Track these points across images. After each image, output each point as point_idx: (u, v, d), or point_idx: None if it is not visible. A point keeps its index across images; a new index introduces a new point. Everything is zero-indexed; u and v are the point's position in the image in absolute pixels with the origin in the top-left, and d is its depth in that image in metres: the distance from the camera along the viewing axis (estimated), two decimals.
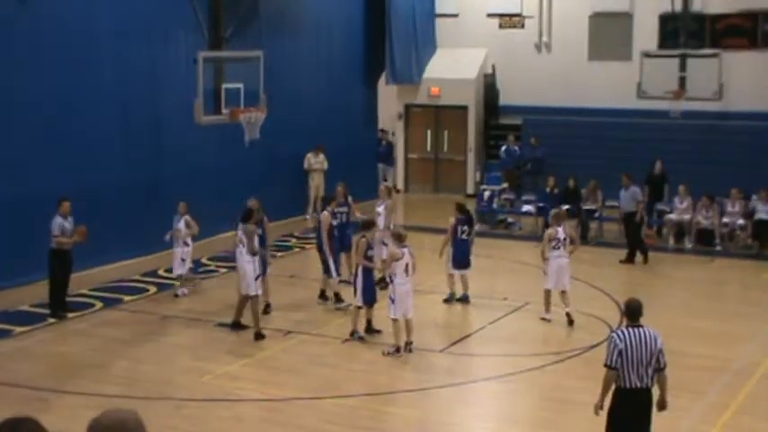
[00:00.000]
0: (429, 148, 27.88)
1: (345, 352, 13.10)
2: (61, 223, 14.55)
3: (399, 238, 13.11)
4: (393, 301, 12.86)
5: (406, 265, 12.85)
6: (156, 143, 18.87)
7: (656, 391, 8.55)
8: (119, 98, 17.96)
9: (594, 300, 16.02)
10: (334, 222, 15.63)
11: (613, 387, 8.34)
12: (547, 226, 16.33)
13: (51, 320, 14.59)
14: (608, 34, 25.77)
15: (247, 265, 13.72)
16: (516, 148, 25.00)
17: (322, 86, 23.64)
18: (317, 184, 23.13)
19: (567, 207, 21.49)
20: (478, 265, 19.47)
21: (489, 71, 27.09)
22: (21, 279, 15.59)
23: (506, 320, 14.88)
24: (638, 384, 8.24)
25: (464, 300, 15.71)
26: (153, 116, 18.75)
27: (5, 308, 15.00)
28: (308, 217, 22.68)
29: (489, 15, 27.18)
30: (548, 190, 21.69)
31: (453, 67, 26.89)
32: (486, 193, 22.98)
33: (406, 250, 12.94)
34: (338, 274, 15.37)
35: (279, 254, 18.64)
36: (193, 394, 11.49)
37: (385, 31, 25.72)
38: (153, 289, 16.62)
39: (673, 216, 20.64)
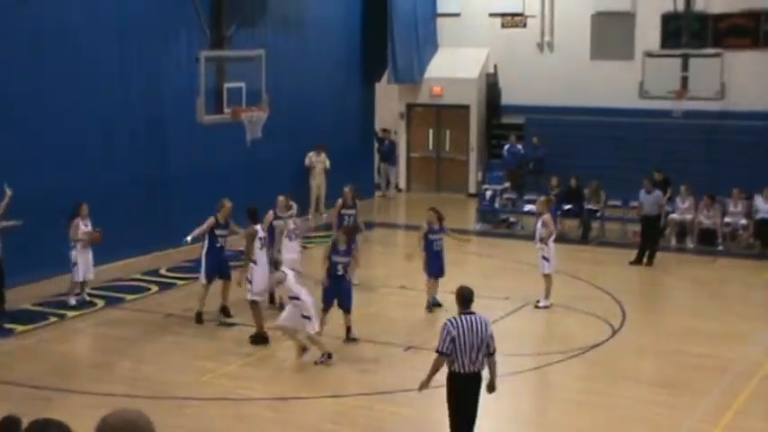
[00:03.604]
0: (431, 148, 27.86)
1: (346, 351, 13.09)
2: None
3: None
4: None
5: None
6: (158, 142, 18.86)
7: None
8: (120, 97, 17.95)
9: (596, 299, 16.02)
10: (344, 223, 15.92)
11: (448, 371, 8.84)
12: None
13: (53, 319, 14.62)
14: (610, 34, 25.73)
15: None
16: (519, 147, 24.99)
17: (323, 86, 23.61)
18: (318, 183, 23.12)
19: (569, 207, 21.58)
20: (481, 265, 19.51)
21: (491, 71, 27.07)
22: (21, 278, 15.58)
23: (508, 320, 14.86)
24: (471, 368, 8.74)
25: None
26: (154, 115, 18.74)
27: (6, 307, 14.99)
28: (310, 217, 22.68)
29: (491, 15, 27.17)
30: (550, 190, 21.68)
31: (455, 66, 26.87)
32: (488, 193, 22.98)
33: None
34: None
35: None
36: (195, 393, 11.50)
37: (386, 31, 25.71)
38: (154, 288, 16.65)
39: (675, 216, 20.61)
